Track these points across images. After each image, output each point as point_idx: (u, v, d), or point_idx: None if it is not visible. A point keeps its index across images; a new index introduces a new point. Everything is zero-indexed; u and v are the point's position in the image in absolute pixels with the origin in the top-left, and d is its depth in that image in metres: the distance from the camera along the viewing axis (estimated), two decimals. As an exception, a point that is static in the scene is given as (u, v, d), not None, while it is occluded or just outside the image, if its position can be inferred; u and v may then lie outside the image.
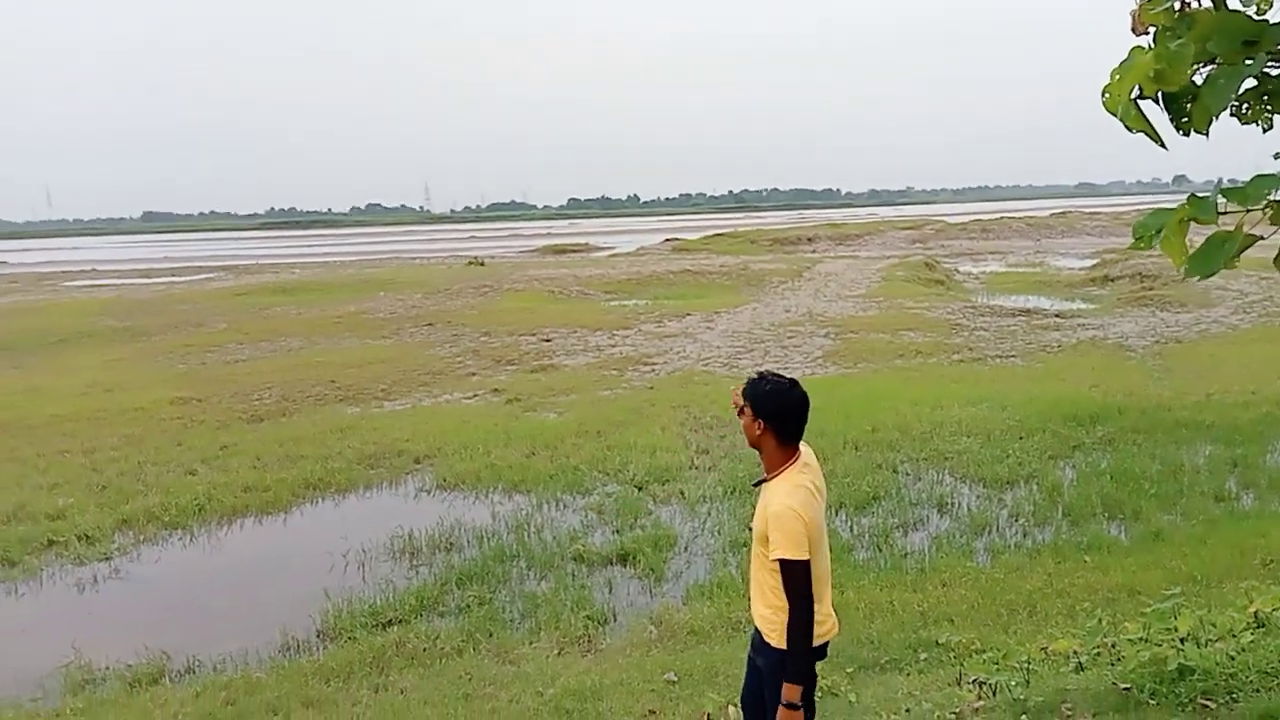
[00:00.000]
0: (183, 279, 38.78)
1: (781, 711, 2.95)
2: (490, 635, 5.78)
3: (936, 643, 5.11)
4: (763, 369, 3.32)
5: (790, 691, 2.96)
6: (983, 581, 6.16)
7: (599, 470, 9.17)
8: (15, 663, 5.73)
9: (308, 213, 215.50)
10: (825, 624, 3.14)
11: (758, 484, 3.18)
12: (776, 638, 3.06)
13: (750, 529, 3.23)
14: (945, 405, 10.97)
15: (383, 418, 11.73)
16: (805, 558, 2.96)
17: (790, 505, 2.98)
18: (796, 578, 2.96)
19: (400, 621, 6.04)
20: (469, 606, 6.24)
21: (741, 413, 3.15)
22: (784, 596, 3.03)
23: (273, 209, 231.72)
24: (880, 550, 7.00)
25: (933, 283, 27.49)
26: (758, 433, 3.11)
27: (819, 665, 3.19)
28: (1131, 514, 7.47)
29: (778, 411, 3.11)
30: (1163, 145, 1.94)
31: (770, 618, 3.10)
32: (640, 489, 8.58)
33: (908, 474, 8.79)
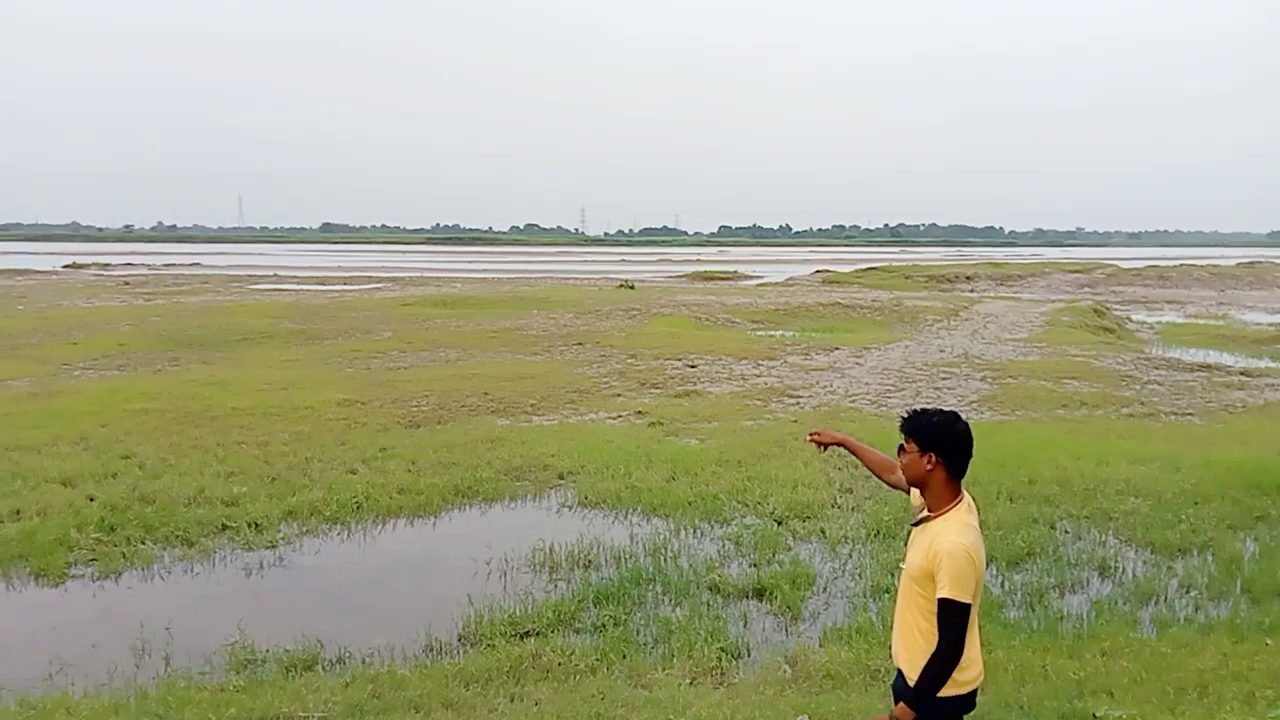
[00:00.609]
0: (354, 288, 41.15)
1: None
2: (624, 657, 5.81)
3: (1093, 716, 4.80)
4: (915, 408, 3.27)
5: (904, 711, 2.95)
6: (1147, 654, 5.74)
7: (738, 500, 9.11)
8: (188, 637, 6.17)
9: (470, 230, 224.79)
10: (974, 668, 3.04)
11: (918, 522, 3.12)
12: None
13: (900, 568, 3.16)
14: (1111, 461, 10.33)
15: (530, 432, 12.06)
16: (969, 601, 2.91)
17: (964, 545, 2.93)
18: (956, 619, 2.91)
19: (537, 634, 6.16)
20: (604, 626, 6.30)
21: (902, 450, 3.10)
22: (934, 639, 2.97)
23: (438, 225, 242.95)
24: (1033, 610, 6.63)
25: (1102, 330, 26.02)
26: (927, 468, 3.06)
27: None
28: (1324, 597, 6.79)
29: (948, 444, 3.07)
30: None
31: (918, 662, 3.01)
32: (780, 523, 8.47)
33: (1067, 532, 8.31)
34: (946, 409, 3.20)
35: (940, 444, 3.07)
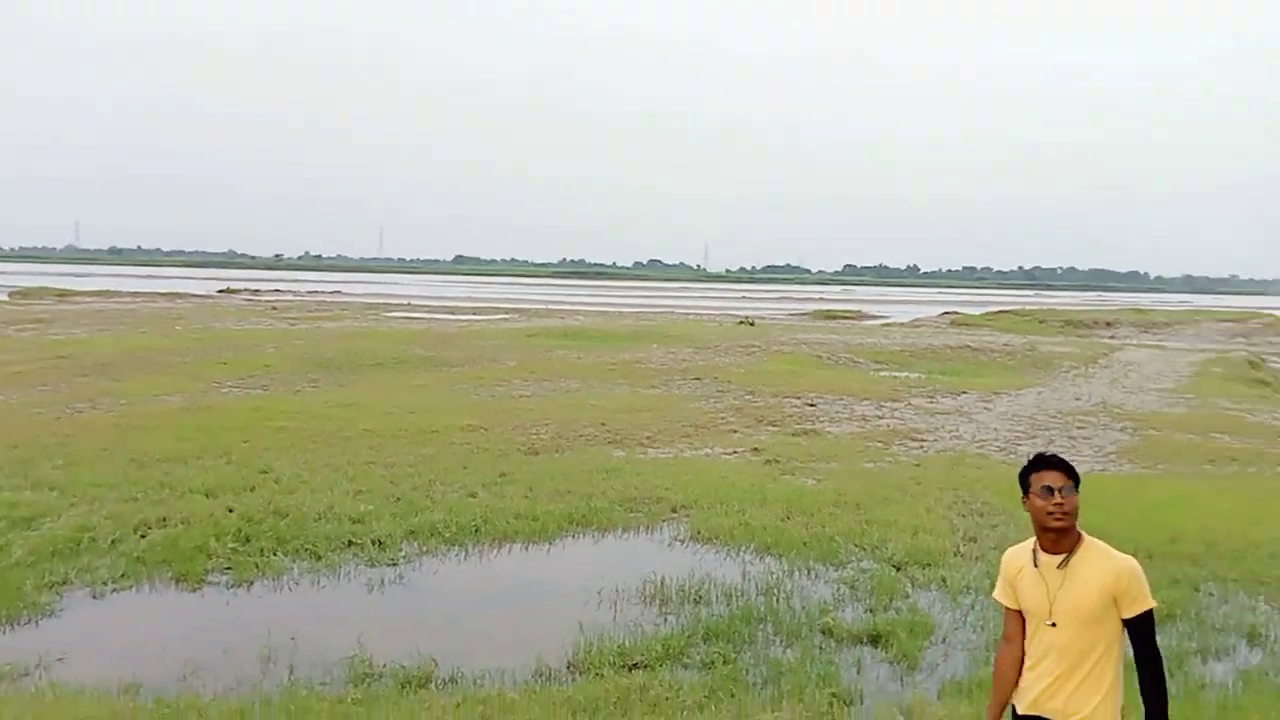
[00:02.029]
0: (482, 317, 42.48)
1: None
2: (732, 695, 5.73)
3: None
4: (1040, 452, 3.32)
5: None
6: (1301, 732, 5.28)
7: (855, 544, 8.88)
8: (311, 648, 6.42)
9: (594, 264, 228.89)
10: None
11: (1063, 564, 3.11)
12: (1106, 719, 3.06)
13: (1052, 622, 3.11)
14: (1264, 522, 9.59)
15: (646, 464, 12.10)
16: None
17: (1130, 556, 3.09)
18: (1153, 627, 3.08)
19: (646, 666, 6.14)
20: (713, 662, 6.23)
21: (1069, 493, 3.13)
22: (1115, 668, 3.06)
23: (564, 259, 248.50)
24: (1172, 676, 6.16)
25: (1257, 383, 24.34)
26: (1078, 505, 3.14)
27: None
28: None
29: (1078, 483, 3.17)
30: None
31: (1096, 700, 3.05)
32: (898, 569, 8.20)
33: (1211, 594, 7.75)
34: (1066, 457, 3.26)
35: (1078, 483, 3.16)
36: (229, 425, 13.67)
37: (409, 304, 53.86)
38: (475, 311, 47.76)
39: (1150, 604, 3.04)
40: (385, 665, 6.11)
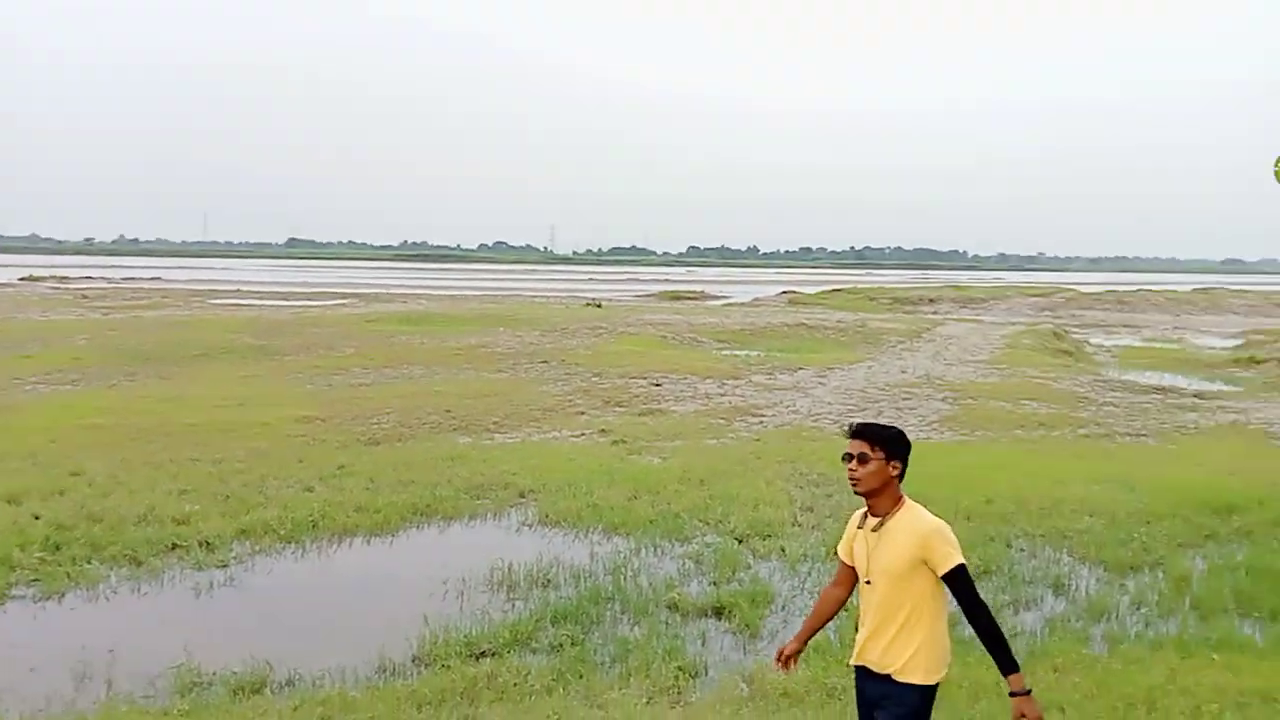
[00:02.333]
0: (317, 303, 40.76)
1: (1021, 702, 3.13)
2: (580, 677, 5.76)
3: (1044, 733, 4.81)
4: (860, 420, 3.50)
5: (1017, 680, 3.15)
6: (1099, 671, 5.79)
7: (700, 519, 9.10)
8: (132, 660, 6.01)
9: (437, 247, 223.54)
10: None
11: (877, 527, 3.25)
12: (920, 674, 3.23)
13: (867, 584, 3.34)
14: (1067, 481, 10.46)
15: (493, 450, 11.97)
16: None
17: (939, 519, 3.23)
18: (970, 580, 3.20)
19: (493, 654, 6.08)
20: (561, 645, 6.25)
21: (864, 460, 3.24)
22: (928, 625, 3.23)
23: (405, 242, 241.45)
24: (989, 628, 6.67)
25: (1061, 353, 26.44)
26: (892, 474, 3.27)
27: None
28: (1269, 613, 6.90)
29: (906, 452, 3.33)
30: None
31: (907, 654, 3.23)
32: (740, 541, 8.46)
33: (1022, 550, 8.39)
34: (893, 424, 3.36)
35: (902, 453, 3.29)
36: (34, 425, 12.60)
37: (237, 290, 51.02)
38: (310, 297, 45.78)
39: (957, 560, 3.15)
40: (215, 673, 5.79)
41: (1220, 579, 7.54)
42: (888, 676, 3.28)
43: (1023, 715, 3.15)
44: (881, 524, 3.27)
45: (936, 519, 3.23)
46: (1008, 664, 3.17)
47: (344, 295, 46.88)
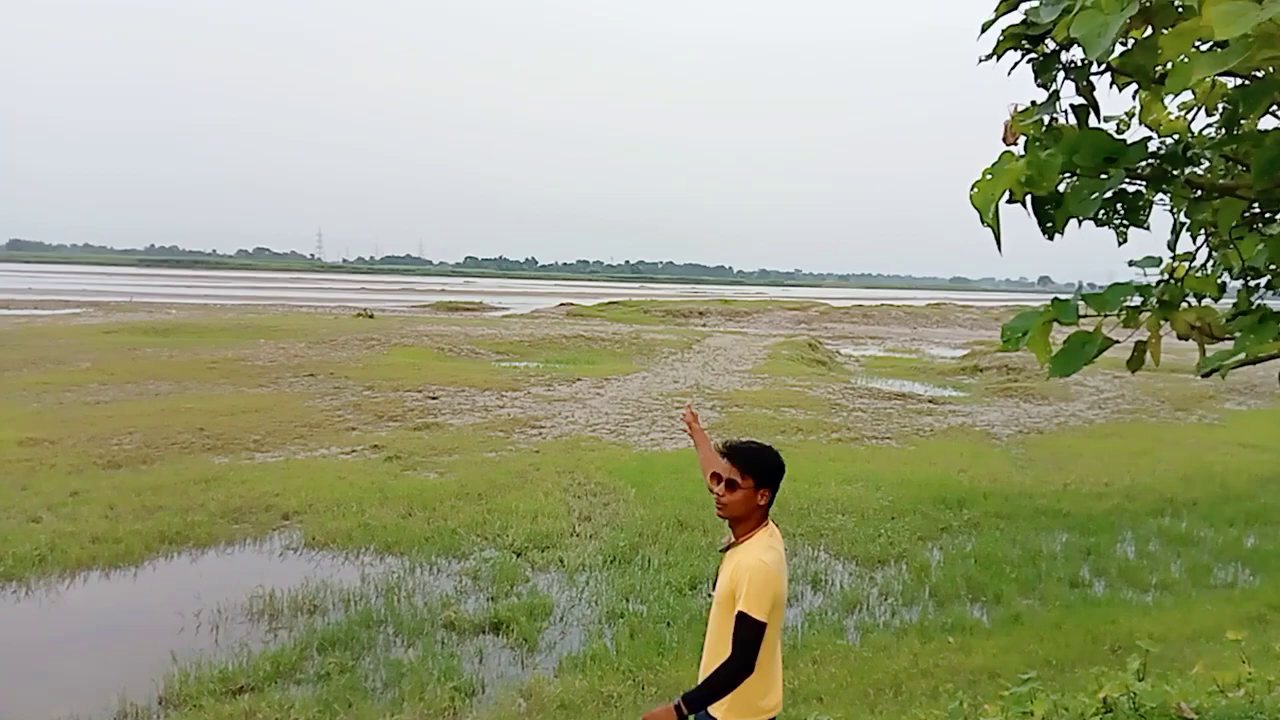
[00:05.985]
0: (46, 312, 36.65)
1: (661, 711, 2.90)
2: (349, 705, 5.50)
3: (804, 721, 5.12)
4: (736, 441, 3.20)
5: (669, 712, 2.90)
6: (852, 660, 6.25)
7: (477, 534, 8.97)
8: None
9: (190, 252, 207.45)
10: (775, 694, 3.09)
11: (725, 549, 3.14)
12: (722, 709, 2.97)
13: (711, 596, 3.20)
14: (823, 483, 11.22)
15: (252, 470, 11.21)
16: (764, 619, 2.93)
17: (765, 561, 2.99)
18: (751, 634, 2.92)
19: (253, 689, 5.69)
20: (329, 674, 5.94)
21: (731, 487, 3.08)
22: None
23: (152, 246, 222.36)
24: (754, 626, 7.01)
25: (815, 363, 28.31)
26: (759, 503, 3.09)
27: None
28: (993, 597, 7.73)
29: (778, 479, 3.13)
30: (1000, 250, 2.04)
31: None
32: (519, 555, 8.42)
33: (785, 549, 8.88)
34: (757, 441, 3.20)
35: (772, 482, 3.11)
36: None
37: (-54, 297, 44.87)
38: (37, 305, 41.02)
39: (743, 608, 2.91)
40: (-86, 736, 5.05)
41: (954, 568, 8.35)
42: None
43: None
44: (729, 548, 3.14)
45: (763, 559, 2.96)
46: (693, 701, 2.94)
47: (79, 304, 42.40)
